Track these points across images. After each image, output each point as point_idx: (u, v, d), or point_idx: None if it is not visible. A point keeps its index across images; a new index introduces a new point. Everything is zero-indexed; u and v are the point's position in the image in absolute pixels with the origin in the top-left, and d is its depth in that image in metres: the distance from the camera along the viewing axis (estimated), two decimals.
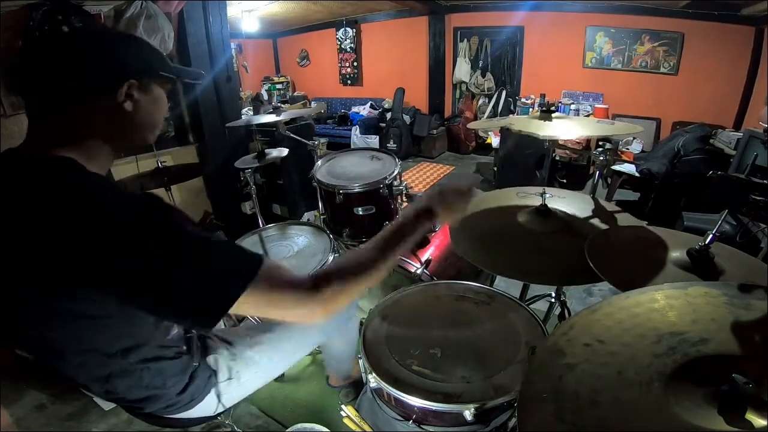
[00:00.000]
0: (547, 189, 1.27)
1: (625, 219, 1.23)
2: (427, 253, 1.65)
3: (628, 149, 3.98)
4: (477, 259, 1.13)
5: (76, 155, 0.65)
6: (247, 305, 0.60)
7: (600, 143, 3.81)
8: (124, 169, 2.22)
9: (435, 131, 5.40)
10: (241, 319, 1.87)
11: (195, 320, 0.60)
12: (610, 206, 1.29)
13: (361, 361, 0.98)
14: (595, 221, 1.22)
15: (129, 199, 0.60)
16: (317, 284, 0.64)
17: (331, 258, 1.56)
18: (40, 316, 0.67)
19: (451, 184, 0.91)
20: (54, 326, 0.68)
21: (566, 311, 1.55)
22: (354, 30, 5.80)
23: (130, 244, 0.56)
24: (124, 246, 0.55)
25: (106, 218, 0.56)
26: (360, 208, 1.73)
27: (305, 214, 3.18)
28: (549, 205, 1.21)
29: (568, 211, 1.27)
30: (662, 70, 4.16)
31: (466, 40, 5.26)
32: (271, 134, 3.07)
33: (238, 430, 1.30)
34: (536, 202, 1.24)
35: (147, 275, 0.56)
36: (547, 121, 1.28)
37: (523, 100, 4.91)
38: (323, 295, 0.64)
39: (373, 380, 0.93)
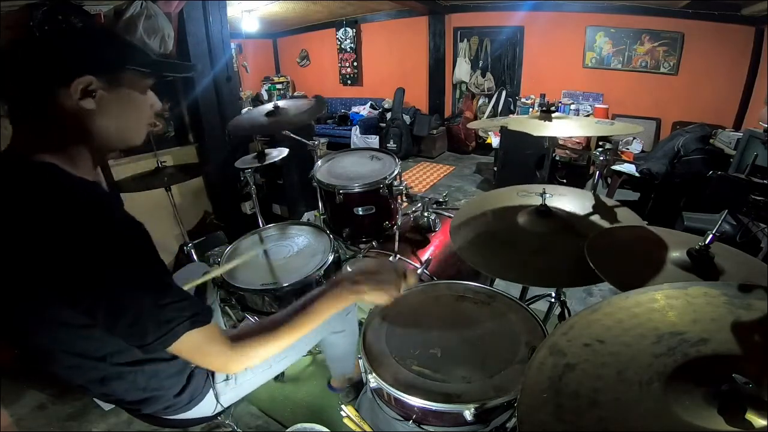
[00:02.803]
0: (547, 187, 1.27)
1: (625, 213, 1.23)
2: (427, 253, 1.65)
3: (628, 149, 3.98)
4: (477, 261, 1.13)
5: (59, 160, 0.64)
6: (180, 346, 0.65)
7: (600, 143, 3.81)
8: (124, 169, 2.22)
9: (435, 131, 5.40)
10: (240, 319, 1.87)
11: (140, 345, 0.63)
12: (611, 202, 1.29)
13: (361, 361, 0.98)
14: (596, 218, 1.22)
15: (104, 216, 0.61)
16: (235, 345, 0.71)
17: (330, 258, 1.56)
18: (25, 321, 0.67)
19: (386, 268, 0.88)
20: (40, 331, 0.68)
21: (566, 311, 1.55)
22: (354, 30, 5.80)
23: (93, 259, 0.58)
24: (86, 259, 0.57)
25: (70, 230, 0.57)
26: (360, 208, 1.73)
27: (305, 214, 3.18)
28: (549, 204, 1.21)
29: (569, 209, 1.26)
30: (662, 70, 4.16)
31: (466, 40, 5.26)
32: (271, 134, 3.07)
33: (238, 430, 1.30)
34: (537, 201, 1.24)
35: (104, 292, 0.59)
36: (546, 122, 1.28)
37: (523, 100, 4.91)
38: (238, 353, 0.71)
39: (373, 380, 0.93)
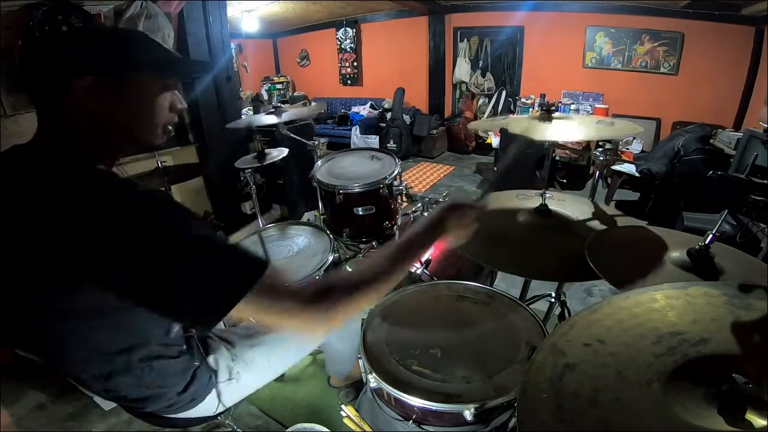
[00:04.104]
0: (546, 190, 1.27)
1: (625, 223, 1.23)
2: (427, 253, 1.65)
3: (628, 149, 3.98)
4: (478, 255, 1.13)
5: (77, 154, 0.64)
6: (247, 310, 0.58)
7: (600, 143, 3.81)
8: (124, 169, 2.22)
9: (435, 131, 5.40)
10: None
11: (194, 320, 0.61)
12: (611, 210, 1.29)
13: (361, 361, 0.98)
14: (595, 224, 1.22)
15: (135, 196, 0.59)
16: (319, 296, 0.62)
17: (330, 258, 1.56)
18: (39, 313, 0.67)
19: (464, 200, 0.87)
20: (54, 324, 0.68)
21: (566, 311, 1.55)
22: (354, 30, 5.80)
23: (133, 240, 0.55)
24: (127, 242, 0.55)
25: (109, 214, 0.56)
26: (360, 208, 1.73)
27: (305, 214, 3.18)
28: (549, 207, 1.21)
29: (568, 214, 1.26)
30: (662, 70, 4.16)
31: (466, 40, 5.26)
32: (271, 134, 3.07)
33: (238, 430, 1.30)
34: (536, 204, 1.24)
35: (147, 273, 0.56)
36: (546, 122, 1.28)
37: (523, 100, 4.91)
38: (324, 306, 0.62)
39: (373, 380, 0.93)
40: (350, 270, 0.73)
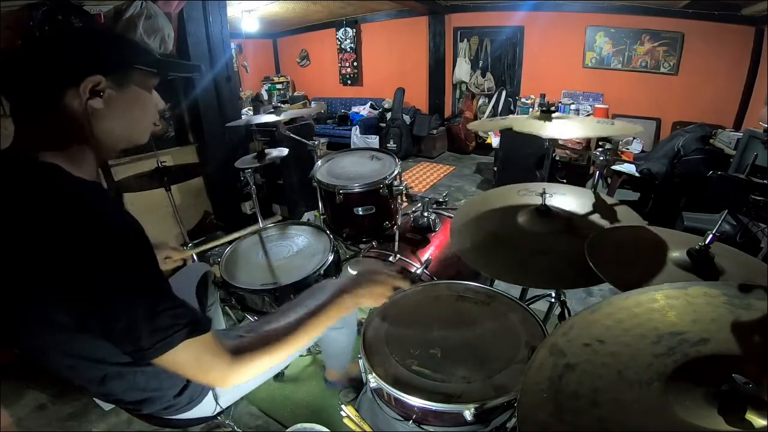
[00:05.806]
0: (548, 186, 1.27)
1: (625, 212, 1.23)
2: (427, 253, 1.65)
3: (628, 149, 3.98)
4: (477, 261, 1.13)
5: (62, 160, 0.64)
6: (176, 357, 0.63)
7: (600, 143, 3.81)
8: (124, 169, 2.22)
9: (435, 131, 5.40)
10: (240, 319, 1.87)
11: (135, 352, 0.61)
12: (611, 200, 1.29)
13: (361, 361, 0.98)
14: (596, 218, 1.21)
15: (104, 218, 0.60)
16: (235, 358, 0.71)
17: (330, 258, 1.56)
18: (23, 322, 0.66)
19: (379, 269, 0.94)
20: (37, 333, 0.67)
21: (566, 311, 1.55)
22: (354, 30, 5.80)
23: (88, 261, 0.57)
24: (84, 263, 0.56)
25: (70, 232, 0.57)
26: (360, 208, 1.73)
27: (305, 214, 3.18)
28: (549, 204, 1.21)
29: (569, 208, 1.26)
30: (662, 70, 4.16)
31: (466, 40, 5.26)
32: (271, 134, 3.07)
33: (238, 430, 1.30)
34: (537, 200, 1.24)
35: (98, 296, 0.58)
36: (546, 122, 1.28)
37: (523, 100, 4.91)
38: (238, 366, 0.71)
39: (373, 380, 0.93)
40: (258, 332, 0.82)
